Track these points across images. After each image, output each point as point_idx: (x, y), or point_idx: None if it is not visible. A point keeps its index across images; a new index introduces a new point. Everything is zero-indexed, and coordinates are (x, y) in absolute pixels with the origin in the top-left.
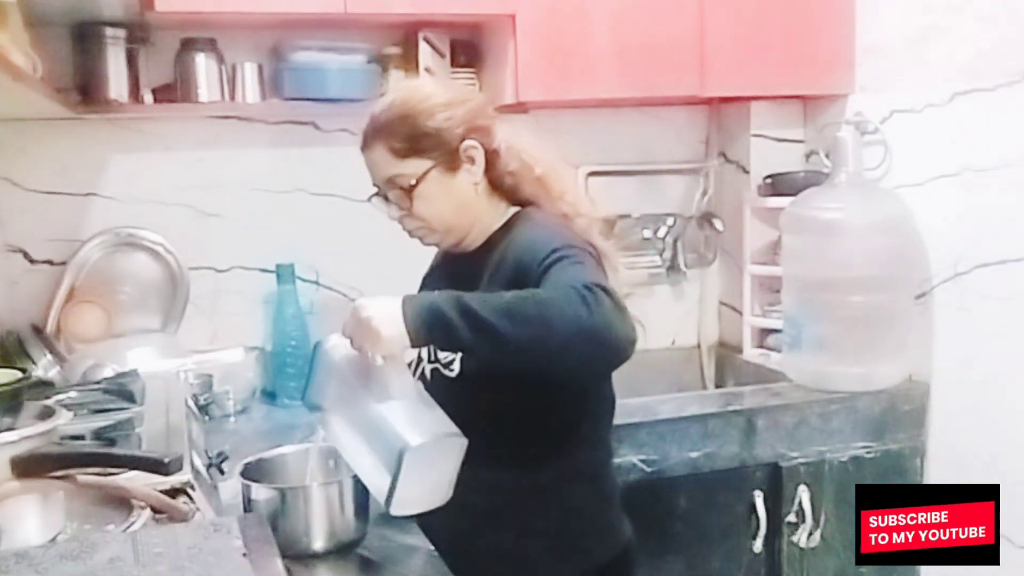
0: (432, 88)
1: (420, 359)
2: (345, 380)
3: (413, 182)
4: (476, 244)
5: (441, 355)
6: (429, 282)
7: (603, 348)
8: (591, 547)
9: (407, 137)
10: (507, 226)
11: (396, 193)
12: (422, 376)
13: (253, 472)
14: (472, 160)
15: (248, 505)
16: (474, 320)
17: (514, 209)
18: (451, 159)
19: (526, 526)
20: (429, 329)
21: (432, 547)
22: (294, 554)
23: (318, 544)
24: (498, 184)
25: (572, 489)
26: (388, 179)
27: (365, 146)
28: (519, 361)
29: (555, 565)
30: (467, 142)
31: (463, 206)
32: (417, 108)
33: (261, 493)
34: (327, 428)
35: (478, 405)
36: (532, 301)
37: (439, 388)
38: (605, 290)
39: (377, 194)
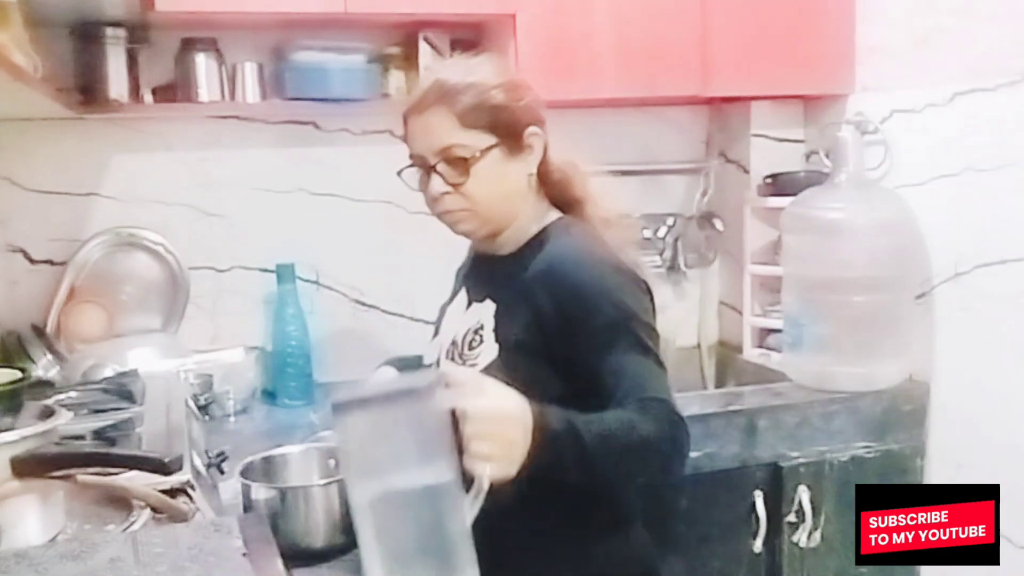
0: (504, 66)
1: (446, 355)
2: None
3: (476, 154)
4: (509, 247)
5: (468, 353)
6: (465, 281)
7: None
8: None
9: (478, 107)
10: (545, 234)
11: (449, 164)
12: None
13: (253, 472)
14: (532, 148)
15: (248, 505)
16: (582, 457)
17: (555, 214)
18: (515, 142)
19: (538, 539)
20: (543, 453)
21: None
22: (294, 554)
23: (318, 543)
24: (546, 180)
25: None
26: (444, 148)
27: (420, 109)
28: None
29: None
30: (531, 128)
31: (512, 195)
32: (493, 81)
33: (261, 493)
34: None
35: None
36: (638, 440)
37: None
38: (683, 420)
39: (414, 165)
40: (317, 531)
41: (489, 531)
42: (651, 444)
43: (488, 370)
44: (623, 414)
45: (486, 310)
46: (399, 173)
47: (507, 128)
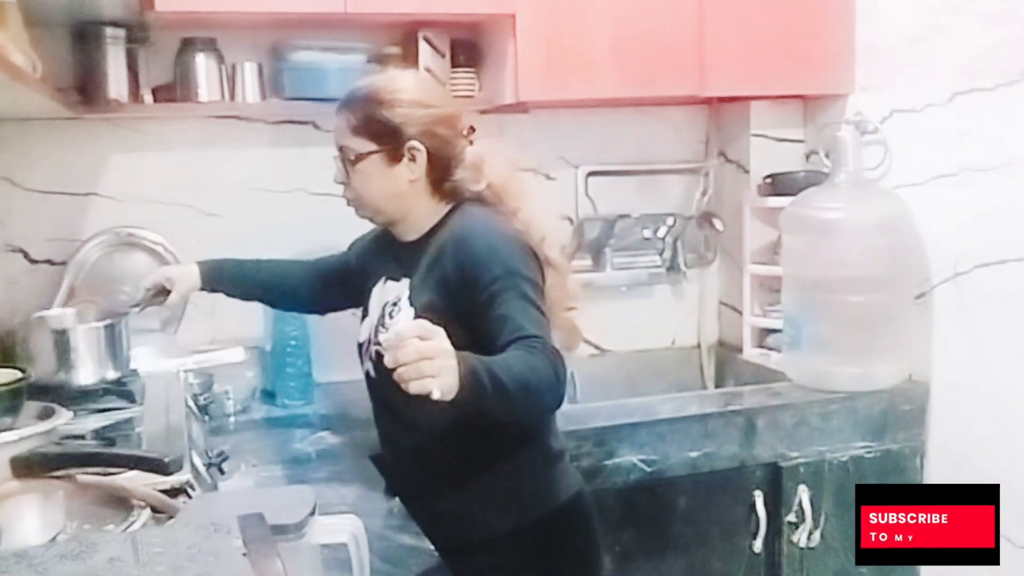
0: (408, 84)
1: (369, 340)
2: None
3: (353, 157)
4: (413, 234)
5: (382, 338)
6: (364, 255)
7: (554, 408)
8: (527, 503)
9: (363, 118)
10: (446, 219)
11: (343, 162)
12: (371, 358)
13: None
14: (414, 159)
15: None
16: (500, 390)
17: (452, 204)
18: (394, 151)
19: (465, 487)
20: (469, 385)
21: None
22: None
23: None
24: (439, 187)
25: (507, 454)
26: (340, 147)
27: (336, 112)
28: (500, 415)
29: (491, 519)
30: (413, 142)
31: (394, 195)
32: (383, 96)
33: None
34: None
35: None
36: (535, 371)
37: (383, 369)
38: (559, 352)
39: (336, 156)
40: None
41: (427, 465)
42: (544, 378)
43: None
44: (516, 353)
45: (401, 286)
46: (334, 157)
47: (388, 139)
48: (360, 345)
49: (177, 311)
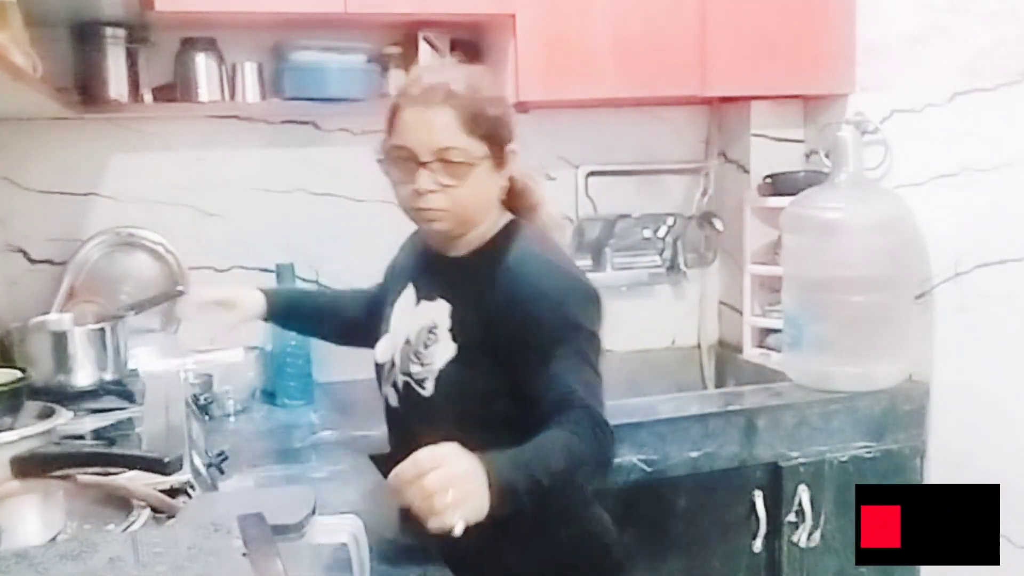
0: (499, 80)
1: (393, 364)
2: None
3: (473, 161)
4: (463, 249)
5: (414, 369)
6: (400, 277)
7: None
8: (554, 546)
9: (479, 115)
10: (500, 238)
11: (443, 166)
12: (394, 385)
13: None
14: (509, 163)
15: None
16: (536, 489)
17: (506, 217)
18: (500, 155)
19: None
20: (501, 499)
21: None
22: None
23: None
24: (511, 189)
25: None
26: (443, 148)
27: (423, 103)
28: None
29: (513, 563)
30: (512, 144)
31: (487, 204)
32: (491, 92)
33: None
34: None
35: (449, 423)
36: (576, 460)
37: (410, 402)
38: (607, 425)
39: (402, 158)
40: None
41: None
42: (585, 459)
43: (446, 367)
44: (558, 435)
45: (439, 309)
46: (380, 163)
47: (498, 141)
48: (379, 366)
49: (221, 330)
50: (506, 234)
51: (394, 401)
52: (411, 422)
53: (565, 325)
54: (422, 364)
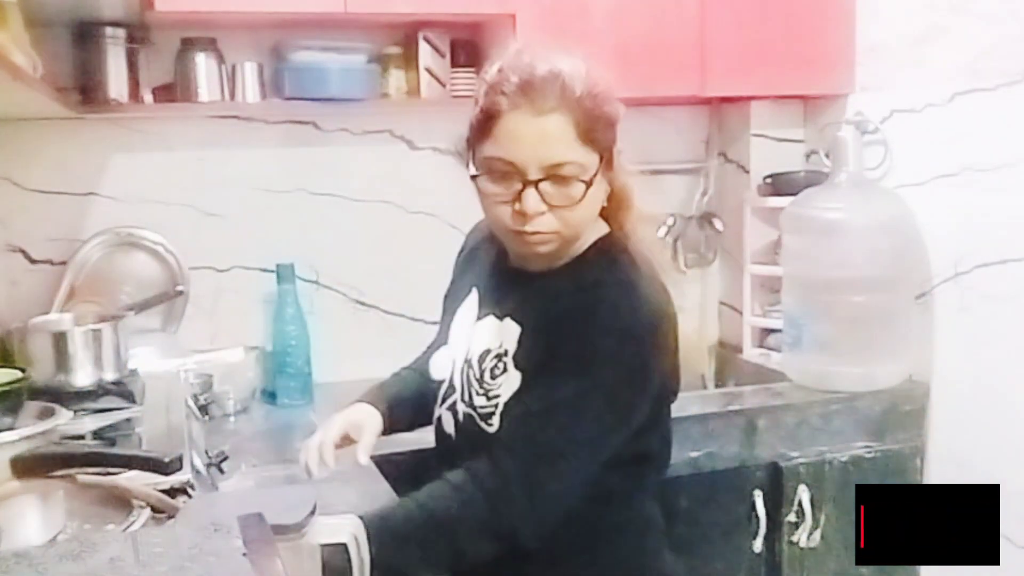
0: (598, 69)
1: (452, 386)
2: None
3: (590, 178)
4: (552, 264)
5: (479, 402)
6: (466, 277)
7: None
8: None
9: (597, 120)
10: (588, 257)
11: (553, 184)
12: (452, 410)
13: None
14: (614, 167)
15: None
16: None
17: (600, 229)
18: (610, 158)
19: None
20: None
21: None
22: None
23: None
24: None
25: (611, 539)
26: (557, 164)
27: (536, 110)
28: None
29: None
30: (618, 143)
31: (593, 219)
32: (605, 86)
33: None
34: None
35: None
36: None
37: (470, 435)
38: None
39: (503, 173)
40: None
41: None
42: (457, 529)
43: (510, 401)
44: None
45: (509, 333)
46: (474, 179)
47: (608, 144)
48: (437, 383)
49: (363, 457)
50: (598, 251)
51: (450, 428)
52: (467, 455)
53: (601, 356)
54: (488, 396)
